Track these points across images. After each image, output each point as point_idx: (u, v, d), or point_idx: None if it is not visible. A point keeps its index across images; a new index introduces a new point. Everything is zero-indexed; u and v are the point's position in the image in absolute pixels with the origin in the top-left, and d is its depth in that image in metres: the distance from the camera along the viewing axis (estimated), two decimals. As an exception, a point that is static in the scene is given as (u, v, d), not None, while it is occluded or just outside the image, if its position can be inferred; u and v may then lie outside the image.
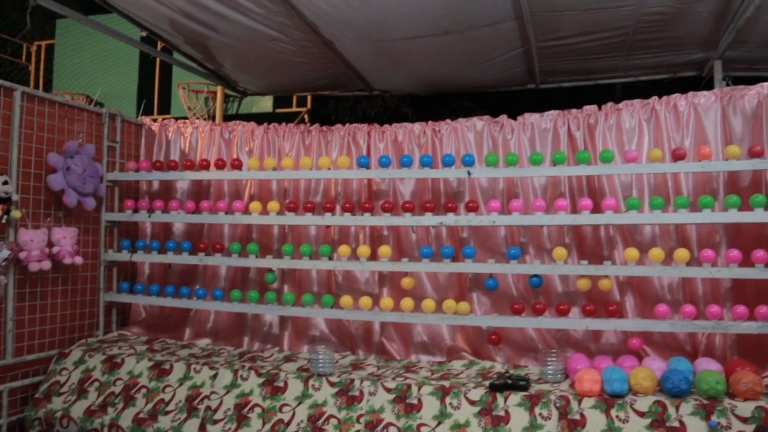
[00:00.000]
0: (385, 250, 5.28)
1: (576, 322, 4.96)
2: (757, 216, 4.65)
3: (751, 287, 4.99)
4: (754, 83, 5.20)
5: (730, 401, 4.06)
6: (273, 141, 6.11)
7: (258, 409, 4.61)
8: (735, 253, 4.78)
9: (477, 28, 5.60)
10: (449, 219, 5.15)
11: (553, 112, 5.54)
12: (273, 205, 5.52)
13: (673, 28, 5.61)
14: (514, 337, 5.42)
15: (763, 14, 5.38)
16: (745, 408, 4.00)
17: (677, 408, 4.03)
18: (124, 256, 5.85)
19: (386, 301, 5.26)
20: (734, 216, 4.66)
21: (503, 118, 5.67)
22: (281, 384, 4.72)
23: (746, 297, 4.99)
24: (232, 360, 5.22)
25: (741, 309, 4.71)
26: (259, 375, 4.83)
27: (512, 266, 5.06)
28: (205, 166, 5.74)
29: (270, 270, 5.66)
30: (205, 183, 6.15)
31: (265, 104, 11.75)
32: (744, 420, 3.93)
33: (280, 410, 4.57)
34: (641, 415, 4.05)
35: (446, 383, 4.55)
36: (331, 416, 4.41)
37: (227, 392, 4.76)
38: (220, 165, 5.76)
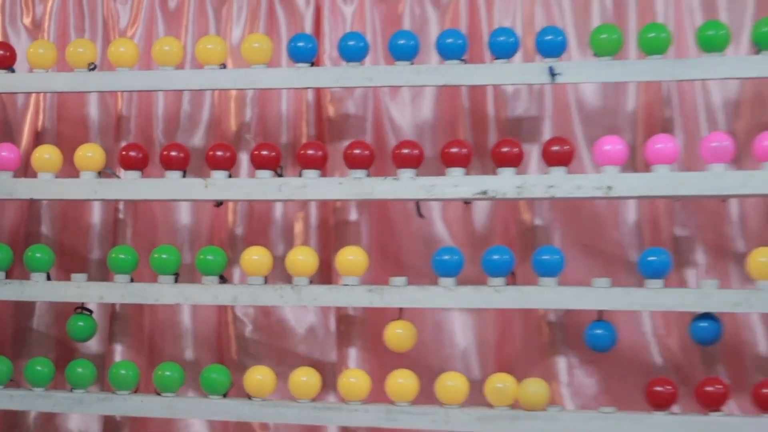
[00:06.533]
0: (354, 257, 2.72)
1: None
2: None
3: None
4: None
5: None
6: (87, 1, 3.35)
7: None
8: None
9: None
10: (507, 181, 2.62)
11: None
12: (87, 155, 2.92)
13: None
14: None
15: None
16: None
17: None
18: None
19: (353, 379, 2.70)
20: None
21: None
22: None
23: None
24: None
25: None
26: None
27: (653, 293, 2.49)
28: None
29: (82, 309, 2.97)
30: None
31: None
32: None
33: None
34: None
35: None
36: None
37: None
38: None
